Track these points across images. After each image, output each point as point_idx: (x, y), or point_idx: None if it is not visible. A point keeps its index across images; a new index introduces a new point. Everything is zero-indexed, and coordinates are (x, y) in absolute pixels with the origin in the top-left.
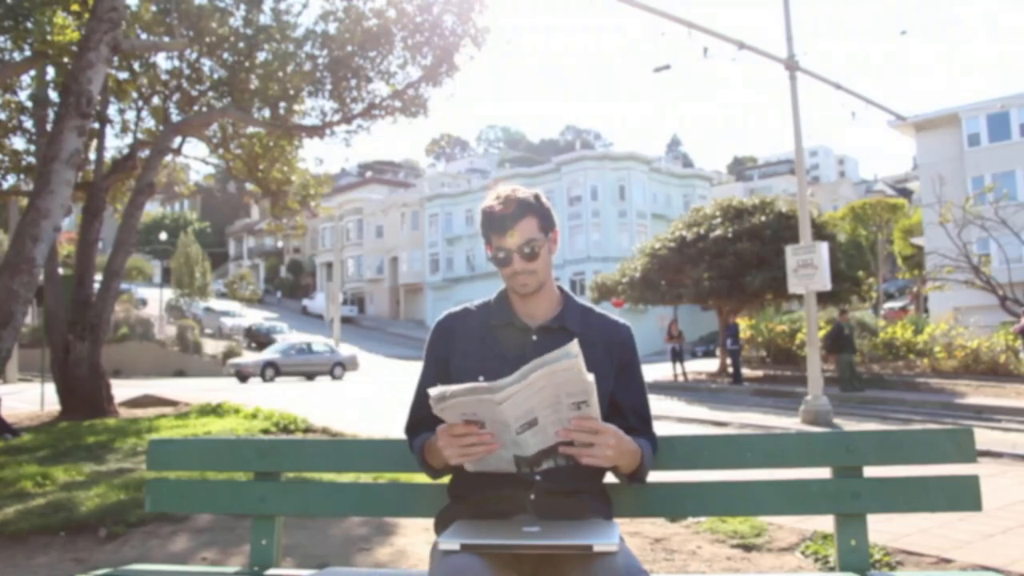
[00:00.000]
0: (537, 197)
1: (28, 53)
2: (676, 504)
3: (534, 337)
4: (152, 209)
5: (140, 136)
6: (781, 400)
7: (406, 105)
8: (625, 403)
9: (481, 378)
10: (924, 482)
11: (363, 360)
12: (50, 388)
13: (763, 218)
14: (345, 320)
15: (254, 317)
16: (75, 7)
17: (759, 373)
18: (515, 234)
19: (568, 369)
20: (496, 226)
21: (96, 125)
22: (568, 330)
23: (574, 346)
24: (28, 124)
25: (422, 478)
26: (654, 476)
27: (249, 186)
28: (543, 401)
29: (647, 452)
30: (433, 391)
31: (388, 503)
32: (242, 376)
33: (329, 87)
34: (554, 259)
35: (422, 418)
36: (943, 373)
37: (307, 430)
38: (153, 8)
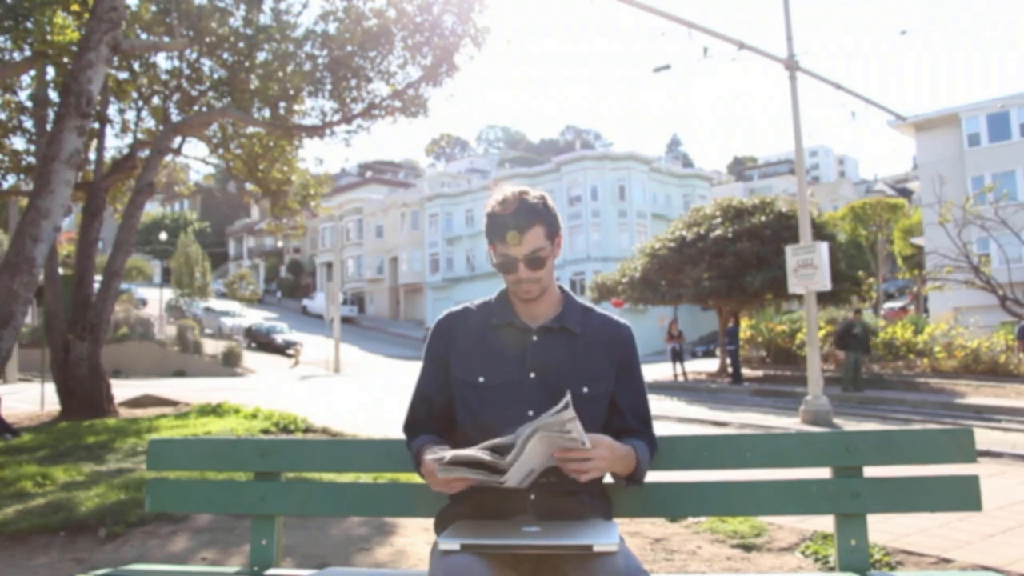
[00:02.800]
0: (544, 202)
1: (28, 53)
2: (676, 504)
3: (534, 337)
4: (152, 209)
5: (140, 136)
6: (781, 400)
7: (406, 105)
8: (624, 403)
9: (481, 379)
10: (924, 482)
11: (363, 360)
12: (50, 388)
13: (763, 218)
14: (345, 320)
15: (254, 317)
16: (75, 7)
17: (759, 373)
18: (522, 243)
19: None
20: (502, 233)
21: (96, 125)
22: (569, 330)
23: (571, 420)
24: (28, 124)
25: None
26: (654, 476)
27: (249, 186)
28: (538, 457)
29: (643, 454)
30: (439, 465)
31: (388, 503)
32: None
33: (329, 87)
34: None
35: (419, 418)
36: (943, 373)
37: (307, 430)
38: (153, 8)
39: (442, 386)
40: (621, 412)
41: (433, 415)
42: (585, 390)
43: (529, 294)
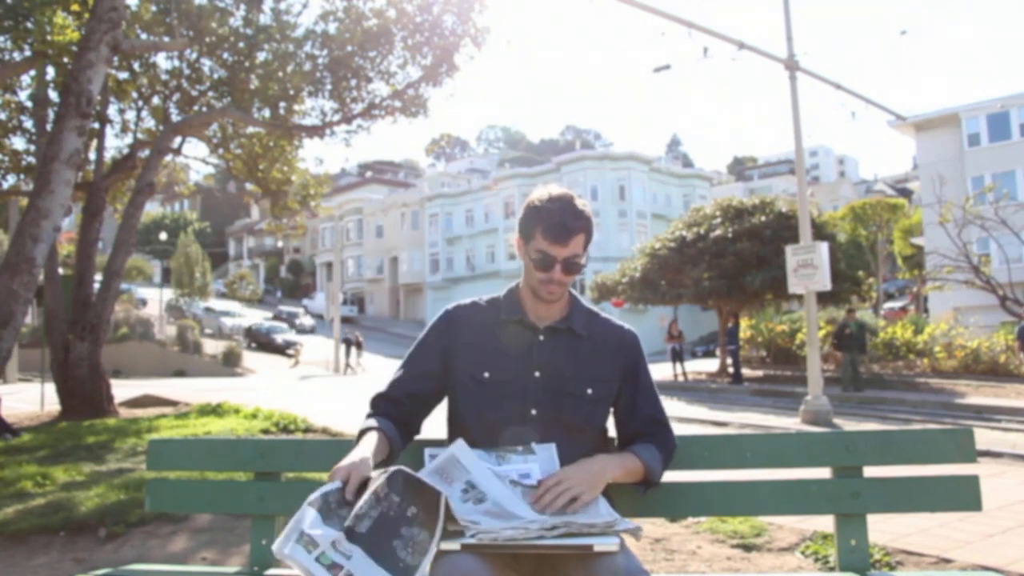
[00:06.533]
0: (589, 210)
1: (28, 53)
2: (676, 504)
3: (540, 337)
4: (152, 209)
5: (140, 136)
6: (781, 400)
7: (406, 105)
8: (636, 409)
9: (487, 374)
10: (924, 482)
11: (363, 360)
12: (50, 388)
13: (763, 218)
14: (345, 320)
15: (254, 317)
16: (75, 7)
17: (759, 373)
18: (568, 245)
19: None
20: (551, 231)
21: (96, 125)
22: (575, 332)
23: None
24: (28, 124)
25: None
26: None
27: (249, 186)
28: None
29: (647, 457)
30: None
31: None
32: None
33: (329, 87)
34: None
35: (394, 396)
36: (943, 373)
37: (307, 430)
38: (153, 8)
39: (426, 373)
40: (633, 417)
41: (404, 399)
42: (589, 392)
43: (552, 295)
